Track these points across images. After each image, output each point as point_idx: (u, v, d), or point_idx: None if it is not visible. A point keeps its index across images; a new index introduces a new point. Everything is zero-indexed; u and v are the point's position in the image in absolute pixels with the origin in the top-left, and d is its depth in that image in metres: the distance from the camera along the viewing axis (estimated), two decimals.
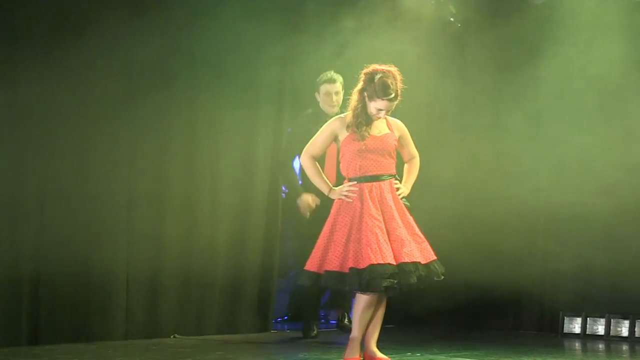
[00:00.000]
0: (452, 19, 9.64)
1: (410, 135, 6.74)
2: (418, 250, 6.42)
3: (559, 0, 9.28)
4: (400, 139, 6.65)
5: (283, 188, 9.99)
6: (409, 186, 6.69)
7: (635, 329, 8.95)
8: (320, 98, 8.41)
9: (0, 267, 7.46)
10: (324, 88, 8.36)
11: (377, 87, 6.39)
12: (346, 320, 8.77)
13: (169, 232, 8.49)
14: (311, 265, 6.49)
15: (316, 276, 6.46)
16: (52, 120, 7.77)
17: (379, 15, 9.34)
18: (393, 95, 6.39)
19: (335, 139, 6.62)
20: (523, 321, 9.71)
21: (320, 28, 8.81)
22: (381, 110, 6.44)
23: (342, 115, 6.66)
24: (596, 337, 9.08)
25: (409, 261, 6.33)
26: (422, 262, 6.40)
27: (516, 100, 9.35)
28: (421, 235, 6.52)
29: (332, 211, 6.56)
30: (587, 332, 9.14)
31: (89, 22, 7.89)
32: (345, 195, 6.50)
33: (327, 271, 6.40)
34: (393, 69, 6.46)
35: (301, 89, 9.20)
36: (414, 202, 6.64)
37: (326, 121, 6.78)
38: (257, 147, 9.09)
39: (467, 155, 9.60)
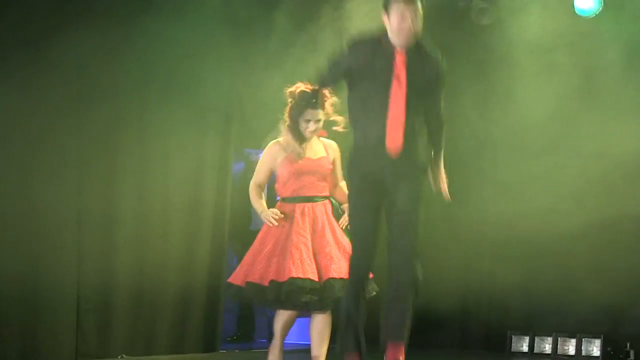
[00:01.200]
0: None
1: None
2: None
3: (507, 24, 9.34)
4: (333, 162, 6.69)
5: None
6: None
7: (582, 348, 9.03)
8: (390, 23, 5.71)
9: None
10: (396, 7, 5.66)
11: (299, 98, 6.43)
12: None
13: (120, 250, 8.43)
14: (235, 278, 6.54)
15: (239, 289, 6.49)
16: None
17: (327, 40, 9.33)
18: (314, 101, 6.42)
19: (274, 162, 6.64)
20: (470, 340, 9.76)
21: (266, 46, 8.80)
22: (309, 120, 6.48)
23: (279, 139, 6.65)
24: (544, 356, 9.16)
25: (337, 277, 6.36)
26: None
27: (462, 122, 9.39)
28: None
29: (263, 227, 6.61)
30: (534, 351, 9.22)
31: (38, 37, 7.84)
32: (268, 220, 6.50)
33: (247, 282, 6.44)
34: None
35: (248, 106, 9.14)
36: None
37: None
38: (205, 165, 9.08)
39: None
